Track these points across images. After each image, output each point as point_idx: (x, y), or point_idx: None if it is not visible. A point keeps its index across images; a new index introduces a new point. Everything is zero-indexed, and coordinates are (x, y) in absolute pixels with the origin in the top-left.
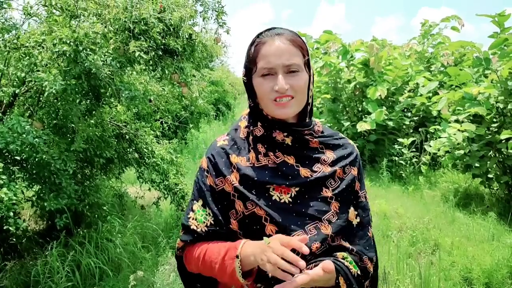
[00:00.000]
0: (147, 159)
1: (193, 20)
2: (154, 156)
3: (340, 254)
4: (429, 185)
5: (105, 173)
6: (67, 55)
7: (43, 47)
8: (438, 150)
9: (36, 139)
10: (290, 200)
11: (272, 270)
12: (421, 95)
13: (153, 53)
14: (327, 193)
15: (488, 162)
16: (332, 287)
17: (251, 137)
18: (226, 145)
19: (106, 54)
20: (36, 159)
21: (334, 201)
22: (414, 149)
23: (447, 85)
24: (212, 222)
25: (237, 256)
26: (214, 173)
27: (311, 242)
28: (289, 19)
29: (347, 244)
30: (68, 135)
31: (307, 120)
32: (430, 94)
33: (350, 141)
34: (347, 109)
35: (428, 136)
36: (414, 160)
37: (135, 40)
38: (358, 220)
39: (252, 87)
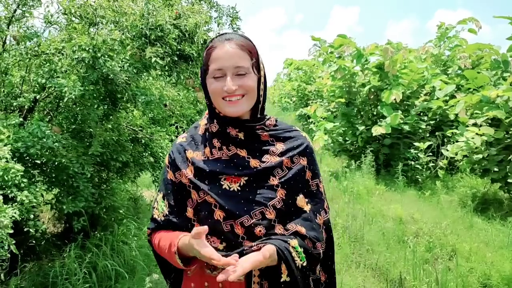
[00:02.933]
0: (162, 163)
1: (207, 26)
2: None
3: (292, 242)
4: (446, 190)
5: (121, 176)
6: (86, 62)
7: (62, 54)
8: (456, 155)
9: (56, 143)
10: (239, 188)
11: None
12: (437, 98)
13: (169, 58)
14: (274, 181)
15: (508, 166)
16: (275, 266)
17: (207, 133)
18: (184, 142)
19: (123, 60)
20: (55, 163)
21: (280, 189)
22: (430, 153)
23: (464, 88)
24: (167, 213)
25: (175, 252)
26: (173, 168)
27: (256, 226)
28: (302, 23)
29: (303, 230)
30: (86, 140)
31: (258, 116)
32: (447, 98)
33: (303, 134)
34: (361, 113)
35: (445, 140)
36: (430, 164)
37: (151, 46)
38: (309, 207)
39: (206, 88)
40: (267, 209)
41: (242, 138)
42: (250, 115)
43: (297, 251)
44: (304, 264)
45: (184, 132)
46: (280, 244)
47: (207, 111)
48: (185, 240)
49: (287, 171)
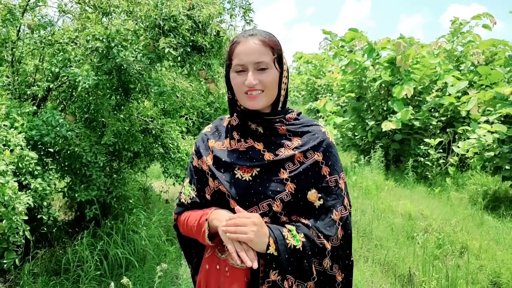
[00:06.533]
0: (172, 154)
1: (220, 17)
2: (179, 151)
3: (289, 226)
4: (456, 187)
5: (131, 167)
6: (100, 51)
7: (76, 43)
8: (467, 151)
9: (69, 132)
10: (251, 178)
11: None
12: (449, 94)
13: (182, 49)
14: (284, 174)
15: None
16: (265, 254)
17: (229, 126)
18: (209, 132)
19: (137, 50)
20: (69, 151)
21: (290, 183)
22: (441, 150)
23: (477, 85)
24: (194, 196)
25: (206, 219)
26: (197, 156)
27: (262, 217)
28: (312, 17)
29: (305, 221)
30: (98, 129)
31: (279, 109)
32: (459, 94)
33: (323, 129)
34: (372, 108)
35: (456, 137)
36: (441, 161)
37: (165, 36)
38: (321, 202)
39: (230, 81)
40: (275, 202)
41: (261, 131)
42: (271, 108)
43: (291, 234)
44: (298, 246)
45: (196, 129)
46: (272, 226)
47: None
48: (214, 214)
49: (299, 165)
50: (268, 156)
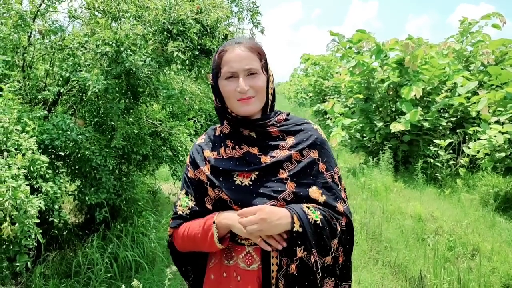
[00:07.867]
0: (181, 157)
1: (228, 20)
2: (188, 154)
3: (305, 204)
4: (466, 188)
5: (140, 169)
6: (109, 56)
7: (86, 48)
8: (478, 152)
9: (79, 136)
10: (250, 183)
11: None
12: (459, 95)
13: (190, 53)
14: (283, 174)
15: None
16: (290, 231)
17: (221, 135)
18: (202, 143)
19: (145, 54)
20: (79, 155)
21: (290, 182)
22: (451, 151)
23: (487, 85)
24: (193, 205)
25: (213, 222)
26: (193, 167)
27: None
28: (319, 18)
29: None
30: (108, 132)
31: (268, 113)
32: (469, 94)
33: (315, 126)
34: (380, 109)
35: (466, 138)
36: (451, 162)
37: (173, 40)
38: (324, 198)
39: (219, 89)
40: (278, 202)
41: (254, 136)
42: (260, 113)
43: (310, 210)
44: (318, 222)
45: (204, 131)
46: (292, 205)
47: None
48: (222, 214)
49: (296, 164)
50: (264, 159)
